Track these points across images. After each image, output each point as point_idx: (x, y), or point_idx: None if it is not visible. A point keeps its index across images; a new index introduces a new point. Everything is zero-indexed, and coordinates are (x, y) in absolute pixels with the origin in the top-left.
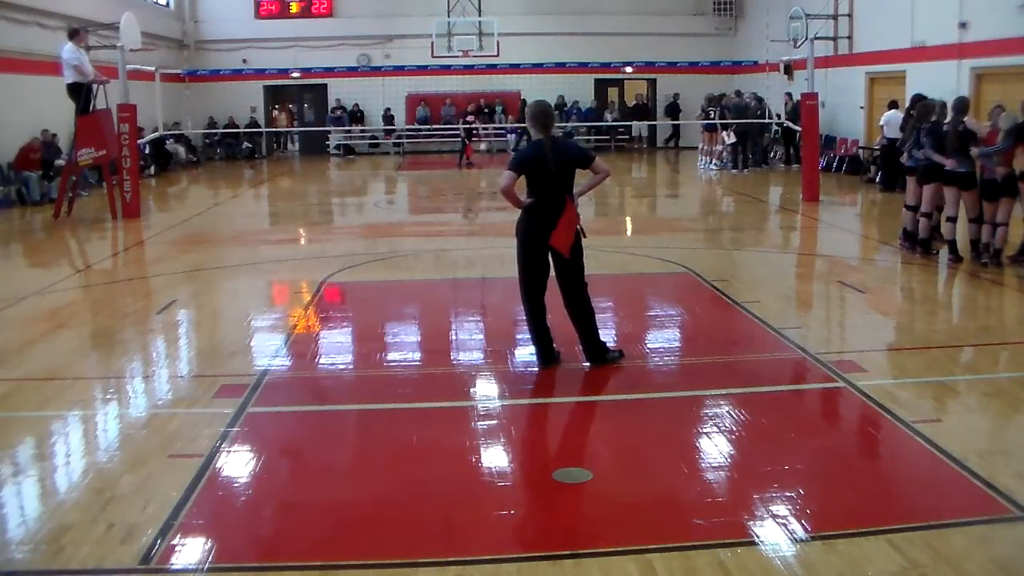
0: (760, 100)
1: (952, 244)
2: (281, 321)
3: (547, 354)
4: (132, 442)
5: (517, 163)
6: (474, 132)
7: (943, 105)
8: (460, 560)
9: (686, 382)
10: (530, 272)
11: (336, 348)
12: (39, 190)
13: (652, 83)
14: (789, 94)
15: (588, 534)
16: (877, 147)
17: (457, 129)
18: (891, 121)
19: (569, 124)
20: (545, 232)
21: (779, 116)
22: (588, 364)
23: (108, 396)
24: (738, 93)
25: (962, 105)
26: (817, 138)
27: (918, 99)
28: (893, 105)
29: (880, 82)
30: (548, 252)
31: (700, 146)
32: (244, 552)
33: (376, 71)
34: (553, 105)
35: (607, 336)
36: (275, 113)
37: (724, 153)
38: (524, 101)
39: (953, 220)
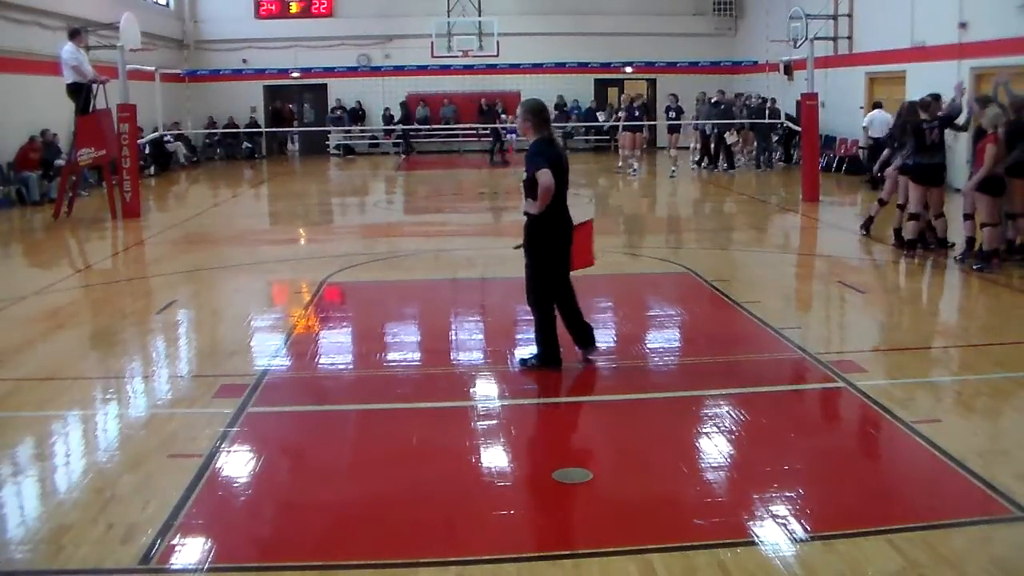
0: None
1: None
2: (281, 321)
3: (557, 358)
4: (132, 442)
5: (548, 161)
6: (503, 131)
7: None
8: (460, 560)
9: (686, 382)
10: (551, 277)
11: (336, 348)
12: (39, 190)
13: (652, 83)
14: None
15: (588, 534)
16: (864, 147)
17: (455, 129)
18: (874, 121)
19: (569, 124)
20: (565, 237)
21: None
22: (582, 363)
23: (108, 396)
24: (720, 92)
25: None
26: (817, 138)
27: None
28: (877, 105)
29: (880, 82)
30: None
31: (692, 145)
32: (244, 552)
33: (376, 71)
34: (554, 105)
35: (608, 337)
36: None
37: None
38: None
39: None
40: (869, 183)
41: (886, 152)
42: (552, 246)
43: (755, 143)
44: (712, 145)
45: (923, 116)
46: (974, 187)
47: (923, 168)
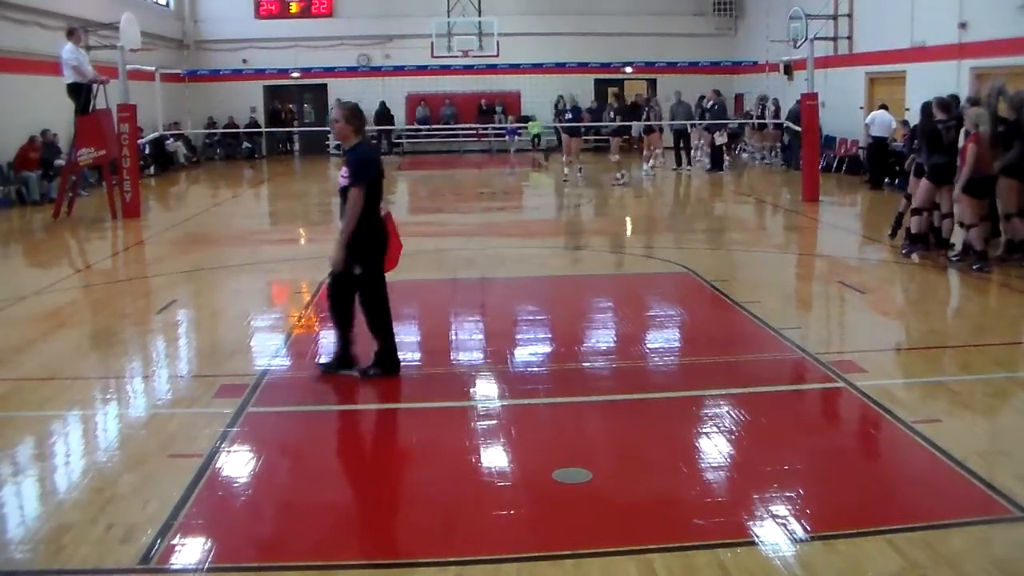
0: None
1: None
2: (281, 321)
3: (397, 361)
4: (132, 442)
5: (370, 175)
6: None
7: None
8: (460, 560)
9: (686, 382)
10: (382, 277)
11: (336, 348)
12: (39, 190)
13: (652, 83)
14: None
15: (588, 534)
16: (863, 147)
17: (455, 129)
18: (876, 120)
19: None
20: (384, 245)
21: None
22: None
23: (108, 396)
24: (715, 92)
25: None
26: (817, 138)
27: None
28: (883, 107)
29: (880, 82)
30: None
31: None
32: (244, 552)
33: (376, 71)
34: (553, 105)
35: (608, 337)
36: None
37: (700, 154)
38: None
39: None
40: (868, 183)
41: (910, 159)
42: (379, 246)
43: (786, 142)
44: (701, 145)
45: (941, 116)
46: (960, 190)
47: (938, 168)
